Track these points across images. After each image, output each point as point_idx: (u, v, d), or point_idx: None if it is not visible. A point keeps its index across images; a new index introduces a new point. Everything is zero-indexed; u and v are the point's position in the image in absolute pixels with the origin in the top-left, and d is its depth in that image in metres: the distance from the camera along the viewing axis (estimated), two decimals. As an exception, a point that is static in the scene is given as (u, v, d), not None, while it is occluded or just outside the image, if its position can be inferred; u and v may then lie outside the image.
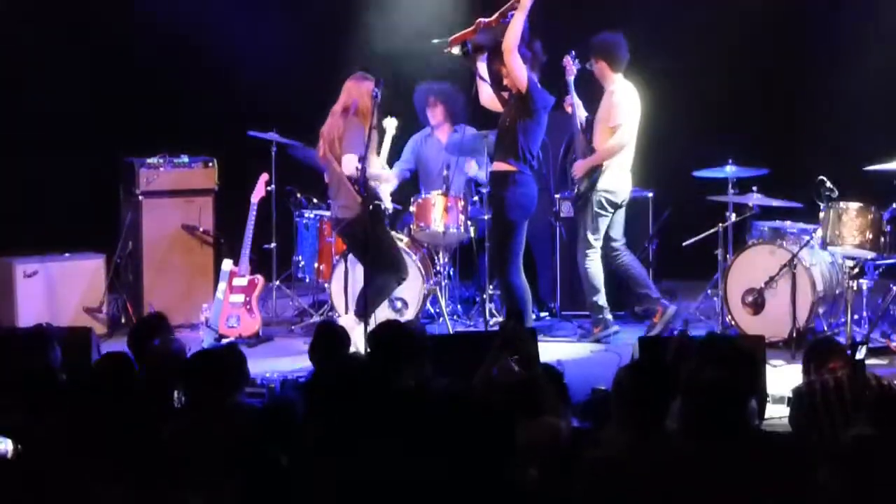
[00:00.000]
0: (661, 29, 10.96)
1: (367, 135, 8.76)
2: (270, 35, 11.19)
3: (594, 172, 9.45)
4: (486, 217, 9.57)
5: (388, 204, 9.15)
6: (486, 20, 9.09)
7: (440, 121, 10.30)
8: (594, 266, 9.49)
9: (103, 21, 11.07)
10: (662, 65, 10.71)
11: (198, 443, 5.13)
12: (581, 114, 9.59)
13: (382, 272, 8.89)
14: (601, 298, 9.51)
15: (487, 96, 9.28)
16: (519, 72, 8.85)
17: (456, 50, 9.15)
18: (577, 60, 9.45)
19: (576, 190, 9.56)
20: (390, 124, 9.45)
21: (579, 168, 9.51)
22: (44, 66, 10.95)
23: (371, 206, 8.79)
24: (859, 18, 10.94)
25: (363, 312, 8.67)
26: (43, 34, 10.96)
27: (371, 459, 4.64)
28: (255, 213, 9.75)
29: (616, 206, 9.53)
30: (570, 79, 9.49)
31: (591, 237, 9.47)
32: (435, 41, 9.29)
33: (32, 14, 10.96)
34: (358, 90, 8.89)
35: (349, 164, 8.76)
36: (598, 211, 9.47)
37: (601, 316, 9.51)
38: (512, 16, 8.91)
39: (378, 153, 9.23)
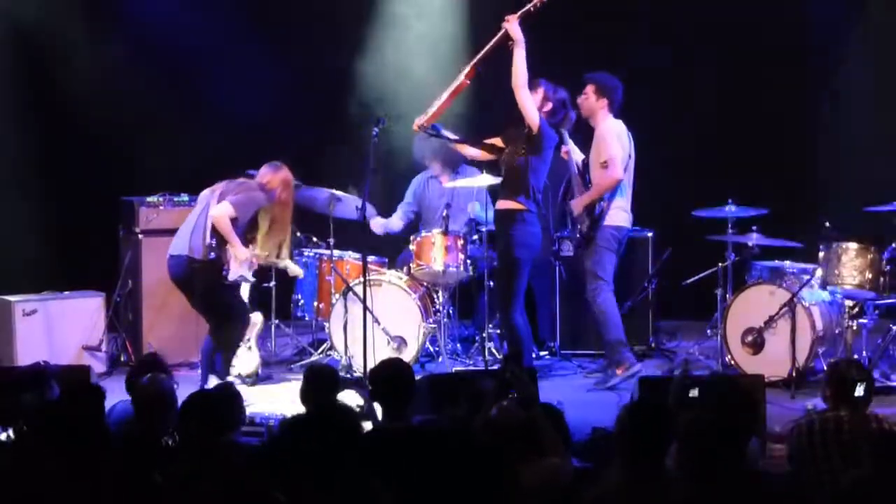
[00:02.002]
0: (661, 68, 11.00)
1: (279, 226, 9.01)
2: (269, 75, 11.23)
3: (594, 210, 9.42)
4: (485, 256, 9.55)
5: (244, 274, 9.01)
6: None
7: (439, 172, 10.30)
8: (607, 301, 9.23)
9: (102, 59, 11.09)
10: (663, 103, 10.75)
11: (193, 483, 5.10)
12: (577, 157, 9.54)
13: (225, 324, 8.99)
14: (619, 333, 9.20)
15: (472, 153, 9.34)
16: (531, 109, 8.86)
17: (423, 131, 9.22)
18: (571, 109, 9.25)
19: (578, 232, 9.47)
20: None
21: (578, 204, 9.43)
22: (43, 103, 10.97)
23: (210, 258, 8.82)
24: (860, 56, 10.98)
25: (225, 371, 8.94)
26: (42, 72, 11.00)
27: (367, 500, 4.61)
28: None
29: (620, 244, 9.41)
30: (564, 129, 9.29)
31: (598, 272, 9.25)
32: (414, 128, 9.30)
33: (29, 50, 10.99)
34: (276, 179, 8.99)
35: (221, 208, 8.78)
36: (605, 247, 9.27)
37: (620, 356, 9.15)
38: (481, 69, 8.98)
39: None
